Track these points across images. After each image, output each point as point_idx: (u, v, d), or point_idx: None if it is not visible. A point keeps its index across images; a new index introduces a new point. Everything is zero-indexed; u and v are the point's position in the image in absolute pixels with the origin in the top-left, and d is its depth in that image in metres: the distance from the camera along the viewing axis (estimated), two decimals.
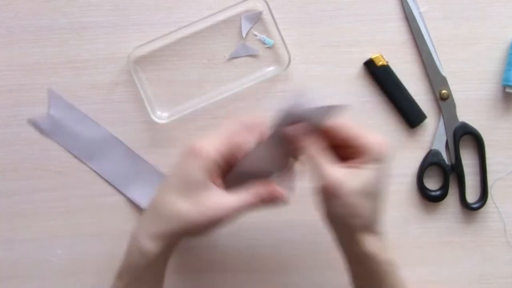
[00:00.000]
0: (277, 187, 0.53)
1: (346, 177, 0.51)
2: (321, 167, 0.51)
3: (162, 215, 0.51)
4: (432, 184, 0.66)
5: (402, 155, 0.66)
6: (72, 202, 0.65)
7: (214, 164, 0.51)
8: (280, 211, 0.65)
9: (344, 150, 0.53)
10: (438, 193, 0.65)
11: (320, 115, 0.51)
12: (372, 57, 0.65)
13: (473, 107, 0.66)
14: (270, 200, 0.53)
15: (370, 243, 0.53)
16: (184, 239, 0.55)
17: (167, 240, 0.51)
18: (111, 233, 0.65)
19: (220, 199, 0.51)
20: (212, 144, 0.52)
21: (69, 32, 0.65)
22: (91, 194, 0.65)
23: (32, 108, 0.65)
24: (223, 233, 0.65)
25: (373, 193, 0.52)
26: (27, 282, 0.65)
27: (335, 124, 0.53)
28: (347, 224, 0.53)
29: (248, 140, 0.53)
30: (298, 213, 0.65)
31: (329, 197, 0.52)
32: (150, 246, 0.51)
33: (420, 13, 0.65)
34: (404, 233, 0.66)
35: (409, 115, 0.65)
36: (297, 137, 0.51)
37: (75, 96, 0.65)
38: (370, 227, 0.53)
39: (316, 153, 0.52)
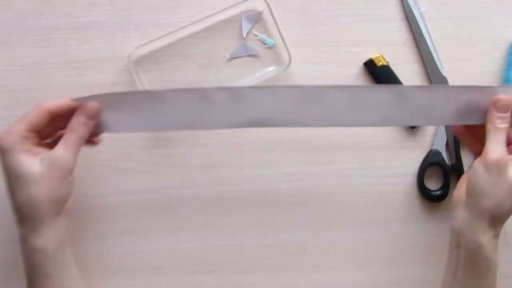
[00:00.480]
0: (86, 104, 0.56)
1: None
2: (499, 140, 0.54)
3: (26, 213, 0.54)
4: (432, 184, 0.66)
5: (402, 155, 0.66)
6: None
7: (22, 144, 0.53)
8: (280, 211, 0.65)
9: None
10: (438, 193, 0.65)
11: None
12: (372, 57, 0.65)
13: None
14: (88, 119, 0.56)
15: (490, 236, 0.54)
16: (68, 210, 0.56)
17: (50, 225, 0.54)
18: (111, 233, 0.65)
19: (51, 158, 0.53)
20: (8, 133, 0.54)
21: (69, 32, 0.65)
22: (91, 194, 0.65)
23: None
24: (223, 233, 0.65)
25: None
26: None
27: None
28: (485, 207, 0.54)
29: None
30: (298, 213, 0.65)
31: (487, 170, 0.54)
32: (40, 240, 0.53)
33: (420, 13, 0.65)
34: (404, 233, 0.66)
35: None
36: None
37: (75, 96, 0.65)
38: (500, 221, 0.55)
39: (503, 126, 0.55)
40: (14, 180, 0.53)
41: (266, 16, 0.65)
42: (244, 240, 0.66)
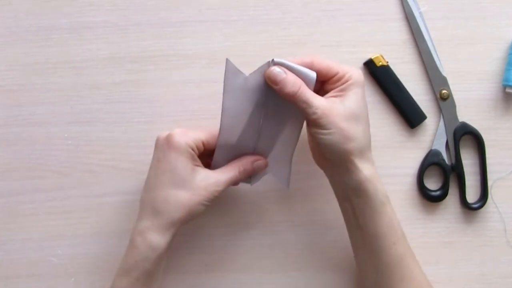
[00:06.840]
0: (256, 157, 0.59)
1: (333, 104, 0.55)
2: (308, 100, 0.54)
3: (163, 209, 0.55)
4: (432, 184, 0.66)
5: (402, 155, 0.66)
6: (72, 202, 0.65)
7: (192, 150, 0.56)
8: (280, 211, 0.65)
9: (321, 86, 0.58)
10: (438, 193, 0.65)
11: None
12: (372, 57, 0.65)
13: (473, 107, 0.66)
14: (253, 171, 0.59)
15: (367, 167, 0.55)
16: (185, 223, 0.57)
17: (173, 229, 0.55)
18: (111, 233, 0.65)
19: (210, 179, 0.56)
20: (184, 134, 0.56)
21: (69, 32, 0.65)
22: (91, 194, 0.65)
23: (32, 108, 0.65)
24: (223, 233, 0.65)
25: (360, 116, 0.56)
26: (27, 282, 0.65)
27: (309, 59, 0.56)
28: (343, 150, 0.55)
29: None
30: (298, 212, 0.65)
31: (322, 127, 0.54)
32: (159, 239, 0.55)
33: (420, 13, 0.65)
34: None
35: (409, 115, 0.65)
36: (278, 76, 0.54)
37: (75, 96, 0.65)
38: (364, 152, 0.56)
39: (299, 89, 0.54)
40: (169, 178, 0.55)
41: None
42: (244, 240, 0.66)
